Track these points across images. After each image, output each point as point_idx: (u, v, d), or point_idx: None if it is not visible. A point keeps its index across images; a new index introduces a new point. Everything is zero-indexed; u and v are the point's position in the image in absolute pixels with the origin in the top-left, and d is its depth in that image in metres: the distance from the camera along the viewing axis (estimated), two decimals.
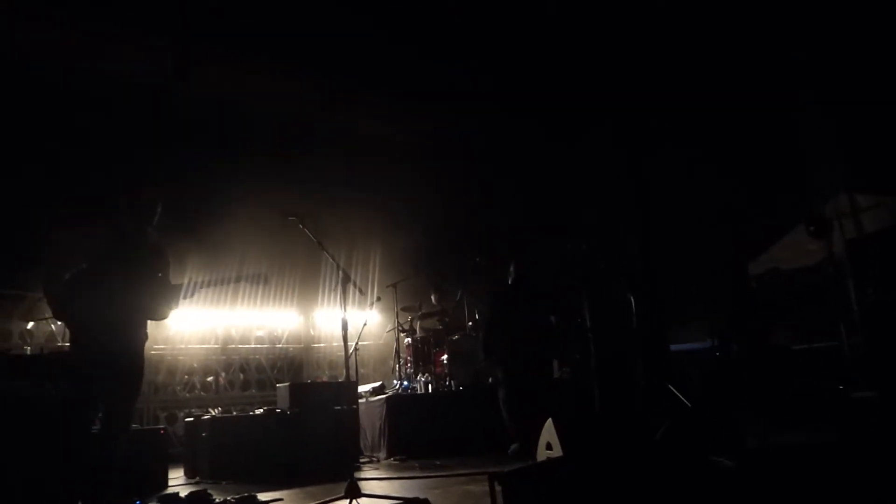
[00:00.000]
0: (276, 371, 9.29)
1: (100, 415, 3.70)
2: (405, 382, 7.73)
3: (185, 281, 4.04)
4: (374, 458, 6.47)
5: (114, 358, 3.72)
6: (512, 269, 6.64)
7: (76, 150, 7.00)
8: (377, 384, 7.75)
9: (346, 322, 4.17)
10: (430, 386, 7.47)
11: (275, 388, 7.09)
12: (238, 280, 4.28)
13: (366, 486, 4.10)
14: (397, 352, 8.12)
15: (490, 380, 7.33)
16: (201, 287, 4.04)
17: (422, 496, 3.67)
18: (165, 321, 8.13)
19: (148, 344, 4.00)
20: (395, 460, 6.25)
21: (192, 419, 6.15)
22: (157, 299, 3.92)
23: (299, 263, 8.92)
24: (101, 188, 6.17)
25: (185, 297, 4.00)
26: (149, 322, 3.97)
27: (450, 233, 9.34)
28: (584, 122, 7.98)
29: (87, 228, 3.89)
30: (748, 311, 6.83)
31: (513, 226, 9.22)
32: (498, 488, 3.03)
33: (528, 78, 7.93)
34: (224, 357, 8.89)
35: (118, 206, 3.94)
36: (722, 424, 4.23)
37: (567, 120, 8.29)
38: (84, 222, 3.93)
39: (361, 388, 7.41)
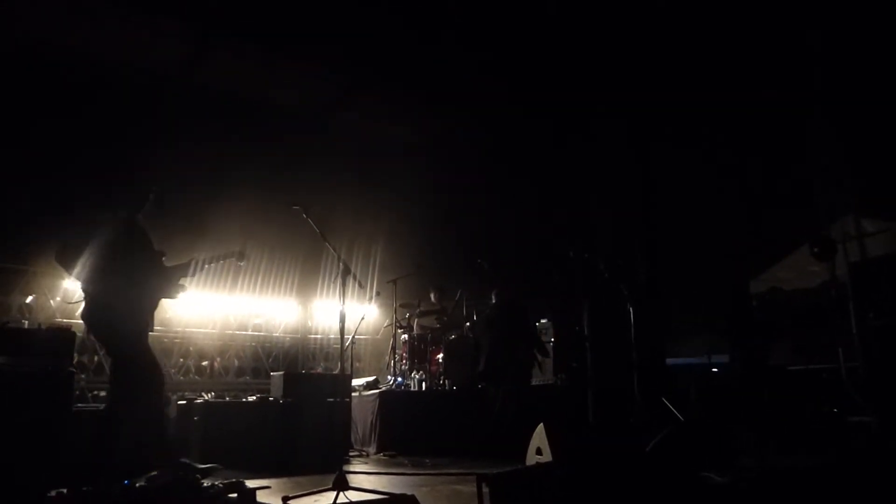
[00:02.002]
0: (271, 359, 9.29)
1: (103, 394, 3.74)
2: (399, 379, 7.72)
3: (190, 261, 4.10)
4: (364, 453, 6.46)
5: (123, 343, 3.75)
6: (494, 296, 6.95)
7: (82, 130, 7.02)
8: (371, 379, 7.74)
9: (343, 315, 4.16)
10: (423, 384, 7.46)
11: (269, 377, 7.08)
12: (214, 260, 4.29)
13: (354, 480, 4.09)
14: (393, 348, 8.11)
15: (479, 385, 7.33)
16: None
17: (409, 493, 3.66)
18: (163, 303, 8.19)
19: None
20: (384, 456, 6.25)
21: (184, 402, 6.14)
22: (167, 280, 3.97)
23: (300, 253, 8.94)
24: (100, 171, 6.22)
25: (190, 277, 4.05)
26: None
27: (453, 232, 9.34)
28: (592, 123, 7.96)
29: (94, 214, 3.91)
30: (747, 330, 6.81)
31: (518, 229, 9.22)
32: (486, 490, 3.03)
33: (534, 75, 7.90)
34: (220, 342, 8.90)
35: (112, 193, 3.98)
36: (715, 440, 4.21)
37: (574, 120, 8.27)
38: (88, 208, 3.96)
39: (355, 382, 7.41)
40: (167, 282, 4.03)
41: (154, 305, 4.02)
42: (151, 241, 4.08)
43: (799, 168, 8.04)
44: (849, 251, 7.38)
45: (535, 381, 7.56)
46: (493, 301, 6.95)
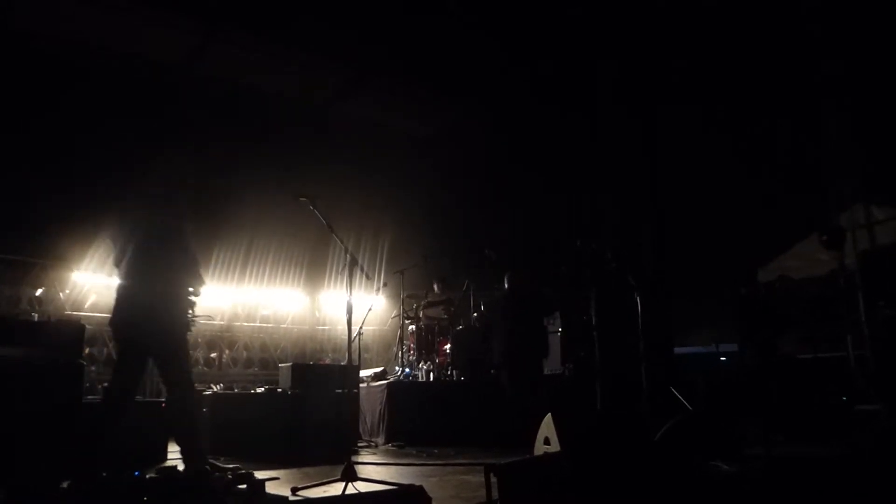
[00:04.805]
0: (279, 351, 9.33)
1: (104, 385, 3.70)
2: (407, 369, 7.74)
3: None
4: (372, 443, 6.49)
5: (158, 328, 3.75)
6: (506, 280, 6.93)
7: (86, 124, 7.04)
8: (379, 369, 7.76)
9: (351, 306, 4.16)
10: (431, 374, 7.48)
11: (277, 368, 7.11)
12: None
13: (362, 471, 4.11)
14: (401, 338, 8.12)
15: (492, 371, 7.33)
16: None
17: (418, 483, 3.67)
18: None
19: None
20: (392, 446, 6.27)
21: None
22: (194, 273, 3.94)
23: (308, 245, 8.95)
24: (107, 165, 6.22)
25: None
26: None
27: (460, 223, 9.33)
28: (599, 111, 7.91)
29: (132, 213, 3.89)
30: (755, 319, 6.78)
31: (525, 219, 9.20)
32: (494, 480, 3.03)
33: (541, 51, 7.84)
34: (229, 334, 8.94)
35: (155, 199, 3.92)
36: (723, 430, 4.21)
37: (581, 108, 8.22)
38: (129, 208, 3.91)
39: (363, 373, 7.42)
40: (192, 276, 3.95)
41: (181, 296, 3.95)
42: (184, 237, 4.00)
43: (808, 155, 7.97)
44: (858, 239, 7.32)
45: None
46: (506, 286, 6.93)
